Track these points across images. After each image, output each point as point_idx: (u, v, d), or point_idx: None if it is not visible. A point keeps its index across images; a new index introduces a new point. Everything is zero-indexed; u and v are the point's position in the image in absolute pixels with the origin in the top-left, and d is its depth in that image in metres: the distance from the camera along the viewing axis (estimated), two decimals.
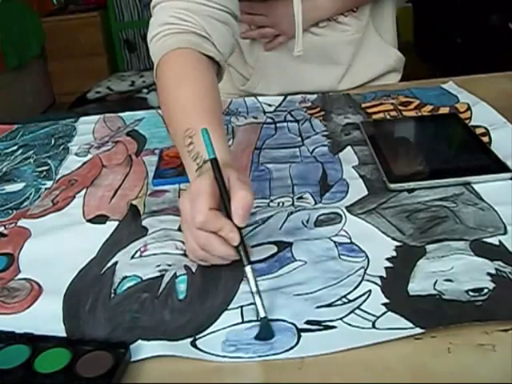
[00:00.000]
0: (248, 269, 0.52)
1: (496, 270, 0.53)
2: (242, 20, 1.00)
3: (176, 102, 0.68)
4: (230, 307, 0.52)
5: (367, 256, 0.57)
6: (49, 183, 0.81)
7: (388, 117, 0.90)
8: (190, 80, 0.70)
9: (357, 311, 0.50)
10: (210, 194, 0.54)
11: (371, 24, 1.06)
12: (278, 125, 0.92)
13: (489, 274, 0.52)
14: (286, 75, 1.05)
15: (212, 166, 0.56)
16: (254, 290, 0.51)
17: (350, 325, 0.48)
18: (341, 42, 1.03)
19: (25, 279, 0.60)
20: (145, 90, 3.20)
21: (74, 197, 0.76)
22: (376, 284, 0.53)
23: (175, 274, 0.57)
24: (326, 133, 0.87)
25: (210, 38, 0.75)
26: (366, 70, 1.08)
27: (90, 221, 0.70)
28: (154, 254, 0.61)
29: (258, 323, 0.50)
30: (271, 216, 0.66)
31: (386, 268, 0.55)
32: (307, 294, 0.53)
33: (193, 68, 0.72)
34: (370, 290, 0.52)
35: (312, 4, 0.96)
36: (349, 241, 0.60)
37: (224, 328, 0.50)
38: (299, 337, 0.48)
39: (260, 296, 0.50)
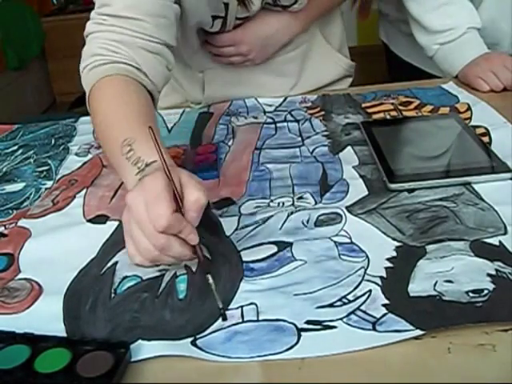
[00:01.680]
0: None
1: (496, 270, 0.53)
2: (212, 52, 0.99)
3: (111, 121, 0.67)
4: (229, 307, 0.52)
5: (367, 256, 0.57)
6: (49, 183, 0.81)
7: (388, 117, 0.90)
8: (124, 99, 0.69)
9: (357, 312, 0.50)
10: (169, 196, 0.52)
11: (319, 32, 1.07)
12: (278, 125, 0.92)
13: (489, 274, 0.52)
14: (239, 83, 1.04)
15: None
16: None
17: (350, 325, 0.48)
18: (284, 60, 1.04)
19: (25, 279, 0.60)
20: None
21: (74, 197, 0.76)
22: (376, 284, 0.53)
23: (175, 273, 0.57)
24: (326, 133, 0.87)
25: (142, 69, 0.74)
26: (317, 78, 1.08)
27: (90, 221, 0.70)
28: None
29: (258, 323, 0.50)
30: (271, 216, 0.66)
31: (386, 268, 0.55)
32: (307, 293, 0.53)
33: (125, 88, 0.71)
34: (370, 290, 0.52)
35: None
36: (349, 241, 0.60)
37: (224, 328, 0.50)
38: (299, 336, 0.48)
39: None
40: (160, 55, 0.77)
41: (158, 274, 0.57)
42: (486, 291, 0.50)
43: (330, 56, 1.09)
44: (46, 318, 0.53)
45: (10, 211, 0.74)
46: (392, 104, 0.94)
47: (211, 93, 1.04)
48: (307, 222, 0.64)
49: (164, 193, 0.52)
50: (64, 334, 0.51)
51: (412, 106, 0.93)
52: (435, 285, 0.52)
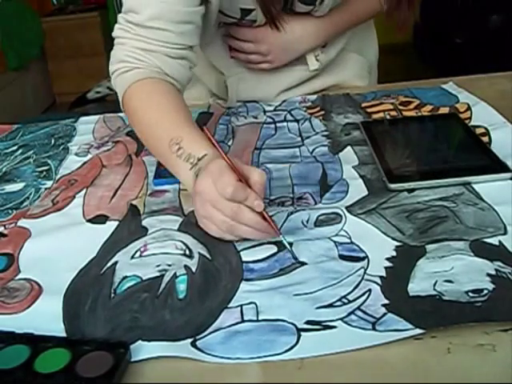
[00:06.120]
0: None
1: (496, 270, 0.53)
2: (231, 45, 0.98)
3: (152, 121, 0.72)
4: (229, 306, 0.52)
5: (367, 256, 0.57)
6: (49, 183, 0.81)
7: (388, 117, 0.90)
8: (160, 99, 0.74)
9: (357, 312, 0.50)
10: (232, 170, 0.60)
11: (350, 47, 1.05)
12: (277, 124, 0.92)
13: (488, 274, 0.52)
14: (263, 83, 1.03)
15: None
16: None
17: (350, 325, 0.48)
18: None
19: (25, 279, 0.60)
20: None
21: (74, 197, 0.76)
22: (376, 283, 0.53)
23: (175, 273, 0.57)
24: (325, 133, 0.87)
25: (167, 74, 0.78)
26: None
27: (89, 221, 0.70)
28: (154, 254, 0.61)
29: (258, 323, 0.50)
30: (271, 216, 0.65)
31: (386, 268, 0.55)
32: (307, 294, 0.53)
33: (159, 89, 0.75)
34: (369, 290, 0.52)
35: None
36: (349, 241, 0.60)
37: (224, 328, 0.50)
38: (299, 337, 0.48)
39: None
40: (184, 59, 0.80)
41: (157, 274, 0.57)
42: (485, 291, 0.50)
43: (358, 63, 1.08)
44: (45, 317, 0.53)
45: (10, 211, 0.74)
46: (392, 104, 0.94)
47: (235, 96, 1.02)
48: (307, 221, 0.64)
49: (227, 168, 0.60)
50: (64, 334, 0.51)
51: (412, 106, 0.93)
52: (435, 284, 0.52)
